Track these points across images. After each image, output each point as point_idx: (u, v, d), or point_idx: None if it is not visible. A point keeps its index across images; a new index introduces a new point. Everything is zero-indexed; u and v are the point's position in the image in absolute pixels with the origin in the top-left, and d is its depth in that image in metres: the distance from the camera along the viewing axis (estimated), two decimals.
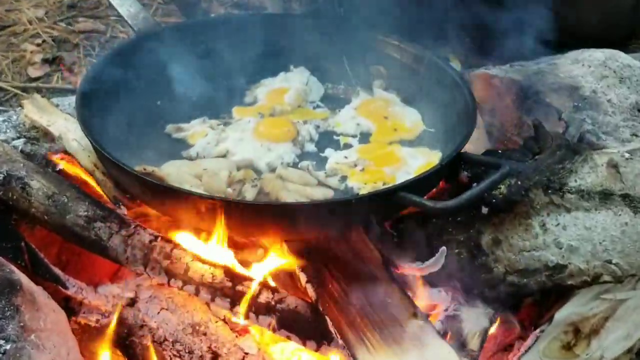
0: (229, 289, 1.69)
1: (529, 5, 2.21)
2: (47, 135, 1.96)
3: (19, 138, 1.97)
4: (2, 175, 1.79)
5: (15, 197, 1.79)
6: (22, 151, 1.92)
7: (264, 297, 1.68)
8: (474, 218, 1.79)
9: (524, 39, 2.29)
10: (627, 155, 1.82)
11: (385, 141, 1.96)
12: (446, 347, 1.54)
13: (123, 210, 1.81)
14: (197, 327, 1.73)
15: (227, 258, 1.74)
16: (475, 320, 1.76)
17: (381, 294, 1.64)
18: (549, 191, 1.79)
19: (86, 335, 1.75)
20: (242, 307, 1.69)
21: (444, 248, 1.68)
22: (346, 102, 2.11)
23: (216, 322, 1.75)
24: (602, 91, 2.11)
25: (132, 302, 1.78)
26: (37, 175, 1.80)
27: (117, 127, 1.85)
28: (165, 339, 1.72)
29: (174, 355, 1.72)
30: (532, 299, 1.87)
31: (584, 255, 1.75)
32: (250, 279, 1.71)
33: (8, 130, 2.00)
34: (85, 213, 1.76)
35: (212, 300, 1.70)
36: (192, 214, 1.63)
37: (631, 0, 2.95)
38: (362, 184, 1.80)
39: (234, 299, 1.69)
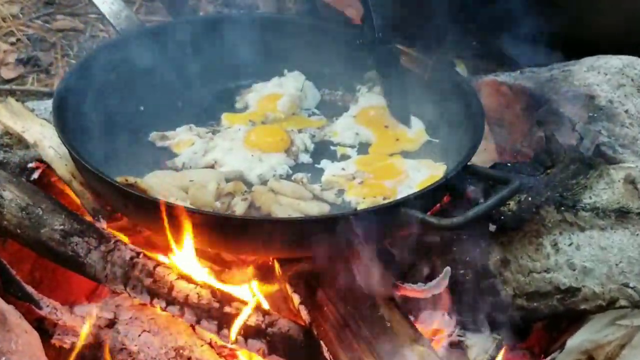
0: (215, 311, 1.69)
1: (543, 8, 2.21)
2: (22, 142, 1.96)
3: None
4: None
5: None
6: None
7: (254, 319, 1.68)
8: (481, 236, 1.80)
9: (536, 44, 2.30)
10: None
11: (386, 152, 1.96)
12: None
13: (102, 224, 1.81)
14: (181, 351, 1.73)
15: (214, 277, 1.74)
16: (481, 346, 1.76)
17: (380, 318, 1.64)
18: (562, 208, 1.79)
19: (61, 359, 1.75)
20: (230, 330, 1.69)
21: (448, 268, 1.68)
22: (344, 109, 2.11)
23: (202, 345, 1.75)
24: (619, 101, 2.12)
25: (111, 323, 1.77)
26: (10, 185, 1.80)
27: (97, 134, 1.85)
28: None
29: None
30: (542, 325, 1.87)
31: (598, 277, 1.75)
32: (240, 300, 1.71)
33: None
34: (62, 227, 1.76)
35: (198, 322, 1.71)
36: (178, 229, 1.64)
37: None
38: (360, 199, 1.81)
39: (221, 321, 1.69)
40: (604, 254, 1.76)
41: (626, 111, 2.09)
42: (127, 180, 1.69)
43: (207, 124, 2.03)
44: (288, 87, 2.13)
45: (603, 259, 1.76)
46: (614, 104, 2.11)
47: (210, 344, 1.75)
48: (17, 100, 2.06)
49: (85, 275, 1.77)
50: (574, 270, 1.75)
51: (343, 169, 1.90)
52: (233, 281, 1.78)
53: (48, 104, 2.01)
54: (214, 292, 1.71)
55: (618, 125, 2.06)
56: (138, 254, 1.74)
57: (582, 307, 1.76)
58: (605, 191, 1.80)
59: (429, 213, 1.69)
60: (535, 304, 1.77)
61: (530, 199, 1.80)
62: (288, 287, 1.71)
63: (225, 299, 1.70)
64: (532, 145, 2.13)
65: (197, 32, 2.14)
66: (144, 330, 1.76)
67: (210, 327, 1.70)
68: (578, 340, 1.79)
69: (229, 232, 1.63)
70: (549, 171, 1.94)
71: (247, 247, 1.69)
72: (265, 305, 1.73)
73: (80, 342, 1.75)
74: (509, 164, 2.03)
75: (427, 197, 1.70)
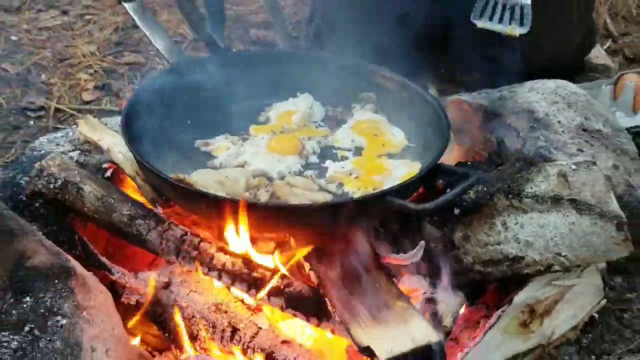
0: (246, 275, 1.69)
1: (495, 43, 2.21)
2: (97, 148, 1.96)
3: (74, 150, 1.98)
4: (60, 181, 1.80)
5: (71, 198, 1.79)
6: (77, 161, 1.92)
7: (275, 282, 1.68)
8: (448, 218, 1.79)
9: (489, 72, 2.29)
10: (574, 167, 1.82)
11: (375, 154, 1.96)
12: (425, 324, 1.54)
13: (159, 210, 1.81)
14: (220, 306, 1.73)
15: (245, 250, 1.74)
16: (449, 302, 1.75)
17: (371, 280, 1.64)
18: (510, 196, 1.79)
19: (128, 314, 1.75)
20: (257, 291, 1.69)
21: (422, 242, 1.68)
22: (343, 122, 2.10)
23: (235, 302, 1.75)
24: (553, 114, 2.11)
25: (166, 286, 1.78)
26: (89, 181, 1.81)
27: (155, 141, 1.85)
28: (193, 316, 1.73)
29: (200, 330, 1.72)
30: (495, 285, 1.87)
31: (538, 248, 1.74)
32: (264, 267, 1.71)
33: (66, 144, 2.00)
34: (128, 212, 1.76)
35: (232, 284, 1.71)
36: (216, 213, 1.64)
37: (577, 42, 2.97)
38: (355, 189, 1.80)
39: (250, 284, 1.69)
40: (542, 230, 1.76)
41: (559, 122, 2.09)
42: (177, 177, 1.70)
43: (238, 134, 2.02)
44: (300, 105, 2.13)
45: (541, 234, 1.75)
46: (549, 117, 2.10)
47: (242, 301, 1.75)
48: (94, 117, 2.06)
49: (146, 249, 1.77)
50: (519, 243, 1.75)
51: (342, 167, 1.90)
52: (259, 253, 1.77)
53: (118, 119, 2.01)
54: (244, 261, 1.71)
55: (552, 132, 2.05)
56: (186, 232, 1.75)
57: (526, 271, 1.76)
58: (543, 183, 1.80)
59: (408, 200, 1.69)
60: (489, 269, 1.76)
61: (485, 189, 1.80)
62: (301, 257, 1.71)
63: (253, 266, 1.70)
64: (487, 148, 2.12)
65: (231, 64, 2.14)
66: (191, 291, 1.77)
67: (241, 287, 1.70)
68: (522, 297, 1.79)
69: (255, 215, 1.63)
70: (499, 168, 1.94)
71: (269, 227, 1.69)
72: (284, 271, 1.73)
73: (145, 300, 1.76)
74: (469, 163, 2.03)
75: (407, 188, 1.70)
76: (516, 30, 2.12)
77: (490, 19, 2.13)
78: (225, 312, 1.72)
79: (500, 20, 2.13)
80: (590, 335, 1.97)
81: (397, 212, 1.74)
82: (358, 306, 1.58)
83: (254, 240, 1.75)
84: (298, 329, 1.73)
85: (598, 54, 3.16)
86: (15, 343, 1.46)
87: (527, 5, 2.11)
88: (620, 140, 2.07)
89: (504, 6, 2.14)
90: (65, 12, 3.60)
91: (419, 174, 1.73)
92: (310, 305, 1.67)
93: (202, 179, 1.76)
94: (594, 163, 1.84)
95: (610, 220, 1.76)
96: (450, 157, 2.06)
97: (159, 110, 1.92)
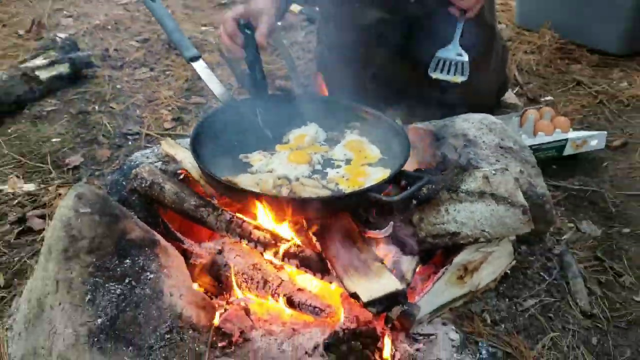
0: (273, 245, 1.69)
1: (441, 90, 2.22)
2: (174, 160, 1.96)
3: (158, 161, 1.98)
4: (149, 182, 1.80)
5: (156, 194, 1.80)
6: (160, 169, 1.93)
7: (292, 249, 1.68)
8: (409, 206, 1.79)
9: (436, 109, 2.29)
10: (493, 172, 1.82)
11: (359, 164, 1.95)
12: (393, 278, 1.55)
13: (215, 202, 1.81)
14: (256, 265, 1.74)
15: (273, 227, 1.74)
16: (409, 263, 1.75)
17: (357, 248, 1.64)
18: (450, 191, 1.78)
19: (195, 271, 1.75)
20: (281, 255, 1.69)
21: (392, 222, 1.68)
22: (338, 142, 2.09)
23: (266, 263, 1.75)
24: (479, 136, 2.10)
25: (220, 252, 1.78)
26: (169, 182, 1.81)
27: (212, 155, 1.85)
28: (238, 272, 1.73)
29: (243, 281, 1.72)
30: (441, 251, 1.86)
31: (469, 227, 1.74)
32: (285, 239, 1.71)
33: (153, 157, 2.01)
34: (195, 203, 1.77)
35: (264, 251, 1.71)
36: (254, 203, 1.64)
37: (496, 88, 2.97)
38: (347, 187, 1.80)
39: (276, 250, 1.69)
40: (472, 215, 1.75)
41: (483, 142, 2.08)
42: (227, 179, 1.70)
43: (268, 150, 2.01)
44: (310, 131, 2.11)
45: (471, 217, 1.75)
46: (477, 138, 2.10)
47: (270, 262, 1.76)
48: (172, 138, 2.06)
49: (207, 227, 1.77)
50: (457, 223, 1.75)
51: (338, 172, 1.89)
52: (282, 230, 1.77)
53: (187, 140, 2.00)
54: (272, 235, 1.71)
55: (479, 149, 2.05)
56: (233, 216, 1.74)
57: (461, 242, 1.76)
58: (472, 182, 1.80)
59: (382, 194, 1.68)
60: (437, 241, 1.76)
61: (434, 187, 1.79)
62: (310, 232, 1.71)
63: (278, 238, 1.70)
64: (435, 159, 2.12)
65: (264, 104, 2.13)
66: (237, 255, 1.77)
67: (270, 253, 1.70)
68: (459, 259, 1.79)
69: (279, 205, 1.63)
70: (443, 173, 1.93)
71: (289, 213, 1.69)
72: (298, 242, 1.73)
73: (205, 261, 1.76)
74: (423, 169, 2.02)
75: (381, 187, 1.70)
76: (459, 79, 2.21)
77: (441, 71, 2.20)
78: (260, 269, 1.72)
79: (448, 72, 2.18)
80: (505, 285, 1.97)
81: (375, 203, 1.74)
82: (348, 265, 1.58)
83: (278, 222, 1.75)
84: (308, 281, 1.73)
85: (509, 96, 3.16)
86: (119, 290, 1.47)
87: (466, 62, 2.21)
88: (525, 154, 2.06)
89: (450, 63, 2.20)
90: (152, 69, 3.60)
91: (389, 177, 1.73)
92: (316, 264, 1.67)
93: (244, 181, 1.76)
94: (507, 169, 1.84)
95: (518, 208, 1.76)
96: (410, 166, 2.05)
97: (215, 135, 1.92)
